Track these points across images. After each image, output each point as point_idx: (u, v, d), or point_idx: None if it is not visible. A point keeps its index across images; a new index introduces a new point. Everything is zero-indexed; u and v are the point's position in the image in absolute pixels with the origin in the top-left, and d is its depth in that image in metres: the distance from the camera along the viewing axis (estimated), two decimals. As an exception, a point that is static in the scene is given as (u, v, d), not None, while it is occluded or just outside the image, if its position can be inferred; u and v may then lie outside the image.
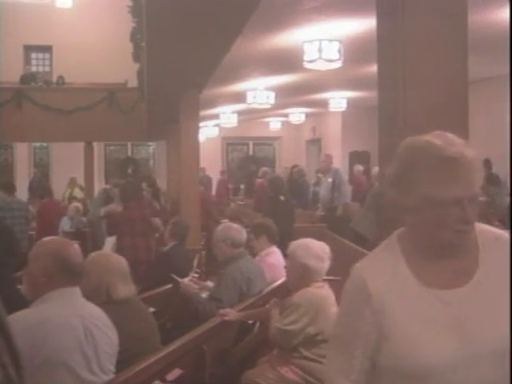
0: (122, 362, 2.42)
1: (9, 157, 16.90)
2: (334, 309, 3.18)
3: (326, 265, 3.19)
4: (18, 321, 2.05)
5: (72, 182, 12.94)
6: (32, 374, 2.02)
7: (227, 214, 9.37)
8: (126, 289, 2.84)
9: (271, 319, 3.22)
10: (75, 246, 2.37)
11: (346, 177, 9.81)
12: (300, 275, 3.17)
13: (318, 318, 3.03)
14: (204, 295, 3.96)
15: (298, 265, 3.15)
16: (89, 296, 2.55)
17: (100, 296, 2.73)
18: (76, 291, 2.29)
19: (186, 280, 4.13)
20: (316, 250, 3.18)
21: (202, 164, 9.34)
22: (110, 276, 2.79)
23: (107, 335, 2.32)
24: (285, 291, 3.66)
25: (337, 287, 3.43)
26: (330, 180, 9.04)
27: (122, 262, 2.93)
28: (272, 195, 7.61)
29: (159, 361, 2.66)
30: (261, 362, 3.27)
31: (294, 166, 12.58)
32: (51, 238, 2.49)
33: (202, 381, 3.02)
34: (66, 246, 2.34)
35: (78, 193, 12.42)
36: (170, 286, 4.36)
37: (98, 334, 2.26)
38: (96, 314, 2.33)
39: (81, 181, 13.34)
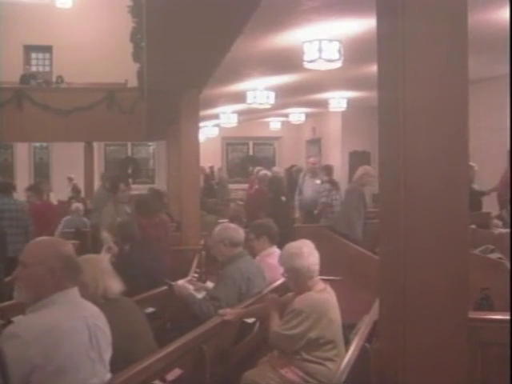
0: (117, 361, 2.41)
1: (9, 157, 16.91)
2: (336, 311, 3.18)
3: (308, 259, 3.14)
4: (28, 328, 2.04)
5: (44, 187, 12.80)
6: (41, 382, 2.00)
7: (227, 214, 9.35)
8: (118, 285, 2.94)
9: (270, 321, 3.22)
10: (71, 245, 2.36)
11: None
12: (292, 278, 3.20)
13: (320, 322, 3.02)
14: (200, 295, 3.96)
15: (287, 269, 3.19)
16: (87, 298, 2.54)
17: (97, 298, 2.75)
18: (76, 291, 2.27)
19: (180, 281, 4.13)
20: (292, 251, 3.19)
21: (202, 164, 9.27)
22: (104, 276, 2.89)
23: (106, 333, 2.32)
24: (284, 291, 3.66)
25: (337, 287, 3.43)
26: (318, 182, 9.05)
27: (106, 260, 3.04)
28: (272, 196, 7.61)
29: (159, 361, 2.66)
30: (261, 362, 3.26)
31: (292, 166, 12.62)
32: (47, 238, 2.43)
33: (202, 381, 3.01)
34: (67, 245, 2.32)
35: (53, 198, 12.41)
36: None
37: (100, 334, 2.27)
38: (95, 313, 2.33)
39: (80, 180, 13.36)
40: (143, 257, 4.71)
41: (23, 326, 2.09)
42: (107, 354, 2.30)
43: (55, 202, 12.57)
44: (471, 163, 7.10)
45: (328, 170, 8.98)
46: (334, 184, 8.49)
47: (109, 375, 2.30)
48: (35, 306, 2.15)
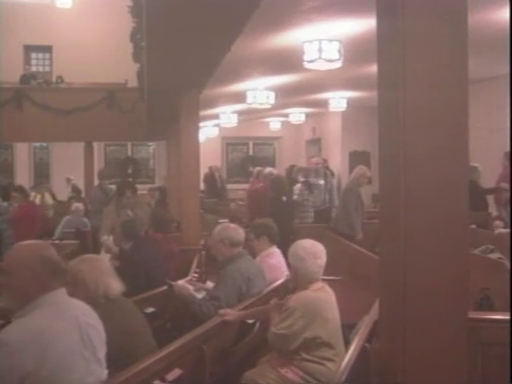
0: (118, 360, 2.41)
1: (9, 157, 16.91)
2: (333, 311, 3.17)
3: (312, 264, 3.13)
4: (18, 333, 2.02)
5: (40, 188, 12.75)
6: None
7: (227, 214, 9.35)
8: (118, 285, 2.95)
9: (270, 322, 3.22)
10: (52, 247, 2.31)
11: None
12: (293, 276, 3.21)
13: (314, 322, 3.01)
14: (200, 295, 3.96)
15: (291, 264, 3.22)
16: (88, 300, 2.53)
17: (98, 298, 2.75)
18: (64, 292, 2.24)
19: (180, 281, 4.13)
20: (298, 251, 3.18)
21: (202, 164, 9.21)
22: (103, 276, 2.89)
23: (98, 331, 2.31)
24: (285, 292, 3.66)
25: (337, 287, 3.43)
26: (321, 182, 9.08)
27: (106, 260, 3.00)
28: (273, 196, 7.62)
29: (159, 361, 2.67)
30: (261, 362, 3.26)
31: (292, 166, 12.62)
32: (26, 242, 2.34)
33: (202, 381, 3.02)
34: (47, 247, 2.27)
35: (48, 199, 12.31)
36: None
37: (92, 332, 2.25)
38: (86, 311, 2.32)
39: (80, 181, 13.35)
40: (144, 256, 4.72)
41: (12, 333, 2.05)
42: (102, 352, 2.28)
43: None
44: (475, 164, 7.11)
45: (305, 171, 9.12)
46: (308, 186, 8.62)
47: (106, 372, 2.29)
48: (24, 311, 2.12)
